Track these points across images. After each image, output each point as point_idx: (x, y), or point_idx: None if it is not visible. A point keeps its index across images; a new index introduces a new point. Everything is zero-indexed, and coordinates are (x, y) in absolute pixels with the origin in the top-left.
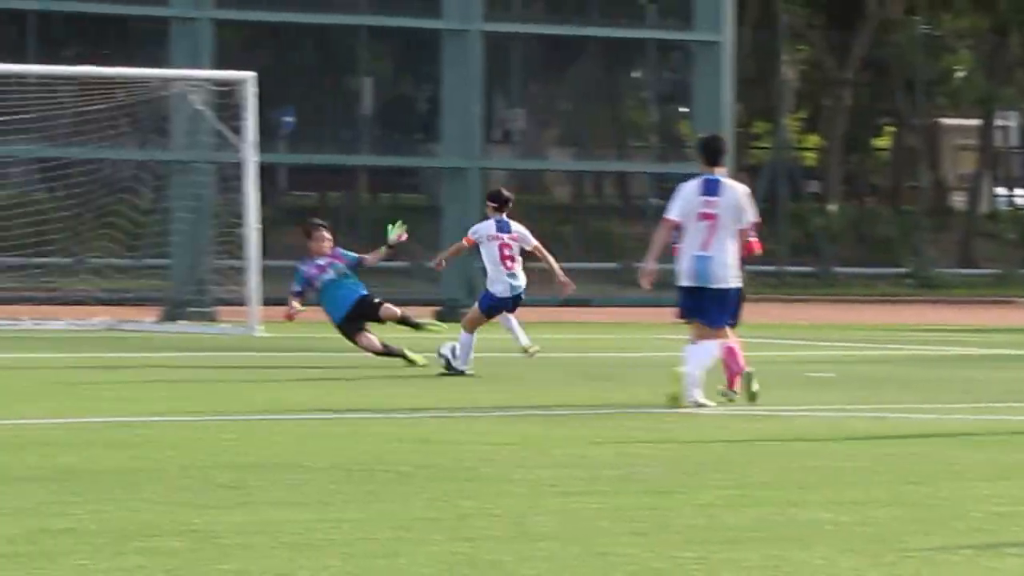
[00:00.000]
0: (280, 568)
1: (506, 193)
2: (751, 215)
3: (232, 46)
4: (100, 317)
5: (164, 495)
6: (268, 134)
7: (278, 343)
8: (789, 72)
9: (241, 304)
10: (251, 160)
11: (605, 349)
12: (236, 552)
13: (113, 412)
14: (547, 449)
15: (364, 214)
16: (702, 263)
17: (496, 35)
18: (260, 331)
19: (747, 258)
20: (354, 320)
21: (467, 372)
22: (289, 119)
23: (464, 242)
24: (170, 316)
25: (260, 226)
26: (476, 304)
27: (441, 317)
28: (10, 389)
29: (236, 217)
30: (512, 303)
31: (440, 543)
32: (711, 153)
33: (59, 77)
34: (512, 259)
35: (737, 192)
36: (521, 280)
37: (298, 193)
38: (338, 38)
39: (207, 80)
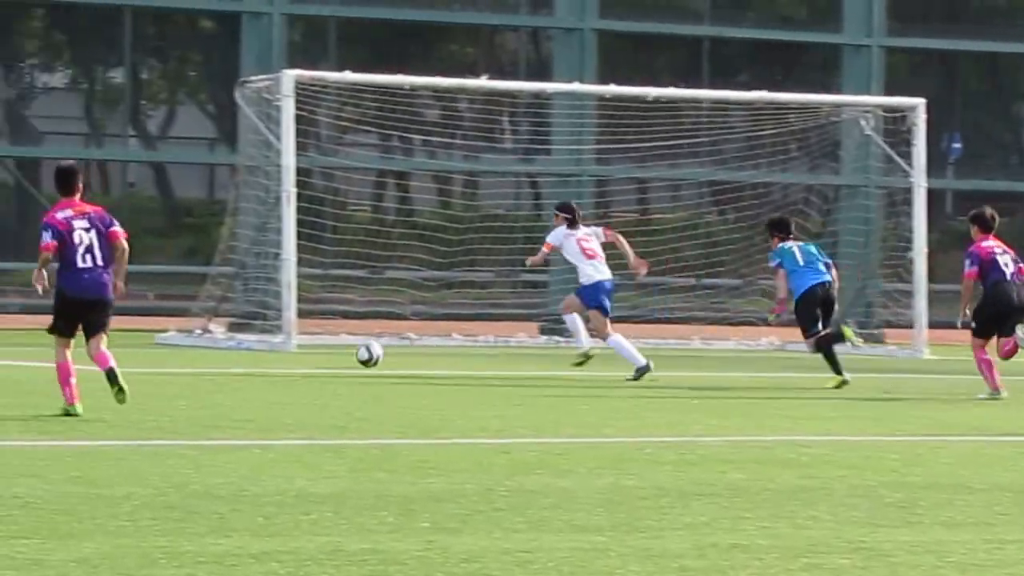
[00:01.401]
0: None
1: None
2: None
3: (901, 72)
4: (769, 338)
5: (833, 513)
6: (936, 160)
7: (944, 366)
8: None
9: (908, 327)
10: (920, 185)
11: None
12: (904, 571)
13: (781, 431)
14: None
15: None
16: None
17: None
18: (926, 354)
19: None
20: None
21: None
22: (957, 145)
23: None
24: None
25: (927, 250)
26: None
27: None
28: (683, 407)
29: (904, 241)
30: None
31: None
32: None
33: (732, 102)
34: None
35: None
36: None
37: (963, 219)
38: (1006, 64)
39: (877, 106)
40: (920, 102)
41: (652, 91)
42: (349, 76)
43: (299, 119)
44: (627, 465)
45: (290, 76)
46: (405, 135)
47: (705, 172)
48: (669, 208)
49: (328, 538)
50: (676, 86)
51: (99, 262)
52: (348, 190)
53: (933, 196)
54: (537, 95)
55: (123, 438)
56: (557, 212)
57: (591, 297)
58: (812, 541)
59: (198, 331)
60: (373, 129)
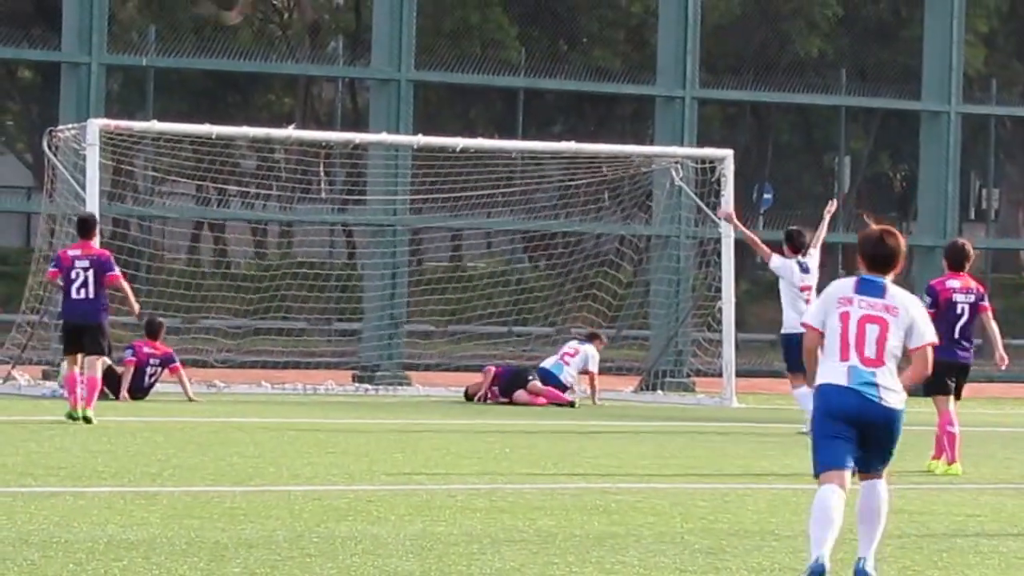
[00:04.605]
0: None
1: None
2: None
3: (714, 124)
4: (582, 386)
5: (641, 559)
6: (747, 210)
7: (752, 414)
8: None
9: (717, 375)
10: (728, 235)
11: None
12: None
13: (591, 478)
14: (1017, 521)
15: None
16: None
17: (973, 116)
18: (735, 402)
19: None
20: None
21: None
22: (767, 195)
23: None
24: (648, 386)
25: (736, 300)
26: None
27: None
28: (496, 455)
29: (713, 290)
30: None
31: None
32: None
33: (544, 152)
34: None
35: None
36: None
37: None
38: (817, 117)
39: (687, 157)
40: (728, 153)
41: (460, 142)
42: (156, 125)
43: (115, 169)
44: (438, 512)
45: (95, 125)
46: (222, 185)
47: (517, 222)
48: (482, 257)
49: None
50: (492, 137)
51: (90, 295)
52: (164, 241)
53: (743, 246)
54: (352, 146)
55: None
56: None
57: None
58: None
59: (1, 379)
60: (186, 180)
